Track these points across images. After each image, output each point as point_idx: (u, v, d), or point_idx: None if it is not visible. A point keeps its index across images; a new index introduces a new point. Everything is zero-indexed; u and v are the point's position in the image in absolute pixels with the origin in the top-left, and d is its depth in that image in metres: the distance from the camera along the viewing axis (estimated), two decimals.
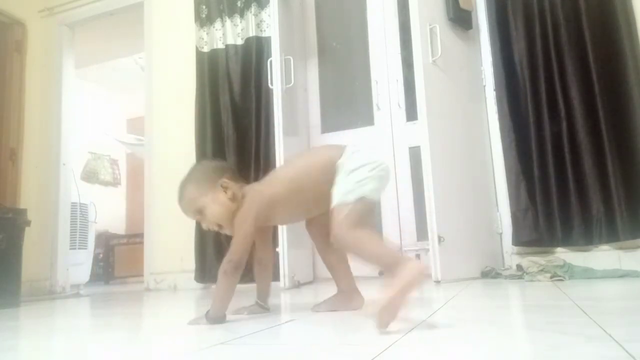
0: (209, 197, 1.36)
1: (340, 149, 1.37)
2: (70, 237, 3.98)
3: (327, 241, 1.33)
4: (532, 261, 2.40)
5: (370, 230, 1.27)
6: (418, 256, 3.06)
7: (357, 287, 1.54)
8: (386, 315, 1.02)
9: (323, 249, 1.55)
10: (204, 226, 1.40)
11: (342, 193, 1.26)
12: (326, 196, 1.28)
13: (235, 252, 1.32)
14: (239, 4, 3.52)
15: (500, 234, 2.81)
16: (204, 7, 3.65)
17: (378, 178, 1.31)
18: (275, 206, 1.41)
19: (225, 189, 1.37)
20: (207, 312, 1.34)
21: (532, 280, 2.26)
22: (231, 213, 1.36)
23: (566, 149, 2.56)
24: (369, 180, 1.28)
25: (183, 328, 1.30)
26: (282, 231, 2.85)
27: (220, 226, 1.38)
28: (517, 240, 2.65)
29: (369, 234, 1.24)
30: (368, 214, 1.27)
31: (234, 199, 1.37)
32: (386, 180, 1.36)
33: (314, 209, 1.46)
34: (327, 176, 1.31)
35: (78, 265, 4.11)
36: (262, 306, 1.53)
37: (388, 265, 1.15)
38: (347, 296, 1.51)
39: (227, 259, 1.33)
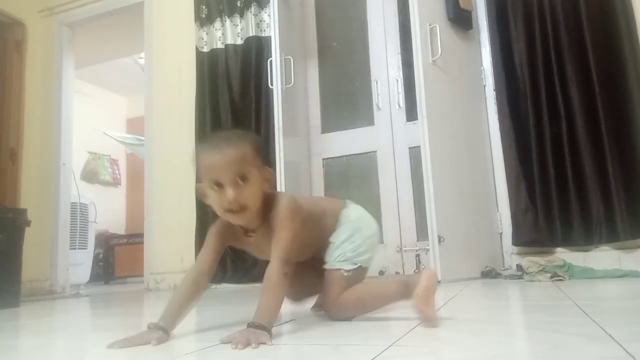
0: (256, 172, 1.15)
1: (341, 202, 1.41)
2: (70, 237, 3.99)
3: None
4: (532, 261, 2.40)
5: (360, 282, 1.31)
6: (418, 256, 3.06)
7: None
8: (430, 315, 1.13)
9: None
10: (227, 197, 1.10)
11: (340, 259, 1.29)
12: (321, 241, 1.33)
13: (289, 251, 1.15)
14: (238, 3, 3.52)
15: (500, 234, 2.81)
16: (203, 7, 3.65)
17: (373, 248, 1.37)
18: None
19: (269, 174, 1.20)
20: (255, 323, 1.02)
21: (532, 280, 2.26)
22: (259, 202, 1.17)
23: (566, 149, 2.56)
24: (366, 250, 1.33)
25: (183, 328, 1.30)
26: None
27: (241, 208, 1.12)
28: (517, 240, 2.65)
29: (362, 284, 1.30)
30: (360, 281, 1.31)
31: (265, 191, 1.18)
32: (377, 247, 1.43)
33: (308, 251, 1.34)
34: (328, 221, 1.34)
35: (78, 265, 4.11)
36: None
37: (402, 294, 1.22)
38: None
39: (284, 259, 1.13)
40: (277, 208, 1.18)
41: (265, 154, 3.55)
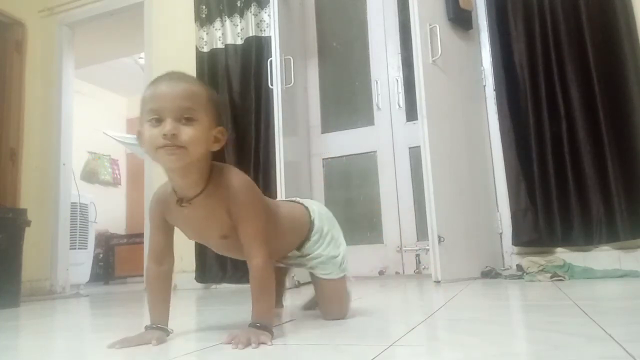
0: (206, 119, 1.01)
1: (301, 207, 1.35)
2: (70, 237, 3.99)
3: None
4: (532, 261, 2.41)
5: None
6: (418, 256, 3.06)
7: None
8: None
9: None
10: (164, 129, 0.96)
11: (341, 269, 1.33)
12: (291, 245, 1.30)
13: (265, 242, 1.06)
14: (238, 3, 3.52)
15: (500, 234, 2.81)
16: (203, 7, 3.65)
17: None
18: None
19: (221, 135, 1.05)
20: (256, 324, 1.01)
21: (532, 280, 2.26)
22: (204, 156, 1.04)
23: (566, 149, 2.56)
24: (344, 248, 1.38)
25: (183, 328, 1.30)
26: None
27: (178, 147, 0.97)
28: (517, 240, 2.65)
29: None
30: None
31: (211, 150, 1.05)
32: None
33: (276, 255, 1.26)
34: (297, 225, 1.30)
35: (78, 265, 4.12)
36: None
37: None
38: None
39: (263, 253, 1.04)
40: (229, 182, 1.05)
41: (265, 154, 3.49)
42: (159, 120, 0.98)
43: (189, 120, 0.98)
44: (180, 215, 1.10)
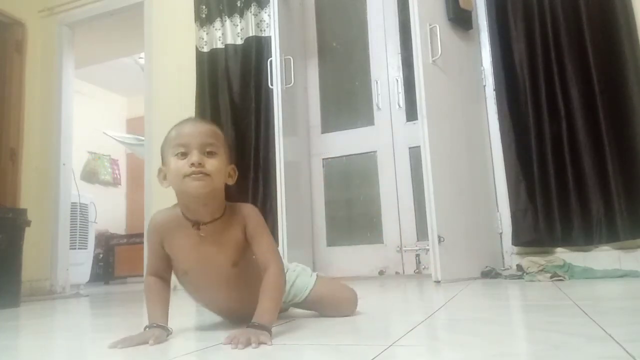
0: (224, 155, 1.13)
1: None
2: (70, 237, 3.98)
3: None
4: (532, 261, 2.41)
5: None
6: (418, 256, 3.06)
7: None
8: None
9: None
10: (191, 159, 1.06)
11: (307, 287, 1.35)
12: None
13: (279, 255, 1.17)
14: (238, 3, 3.52)
15: (500, 234, 2.81)
16: (203, 7, 3.65)
17: None
18: None
19: (233, 172, 1.17)
20: (255, 324, 1.02)
21: (532, 280, 2.26)
22: (222, 188, 1.14)
23: (566, 149, 2.56)
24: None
25: (183, 328, 1.30)
26: (282, 231, 2.86)
27: (205, 174, 1.07)
28: (517, 240, 2.65)
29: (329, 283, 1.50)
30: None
31: (226, 185, 1.15)
32: None
33: None
34: None
35: (78, 265, 4.12)
36: None
37: None
38: None
39: (279, 263, 1.14)
40: (241, 209, 1.17)
41: (265, 154, 3.49)
42: (184, 154, 1.08)
43: (211, 154, 1.10)
44: (188, 242, 1.14)
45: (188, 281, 1.21)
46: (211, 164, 1.09)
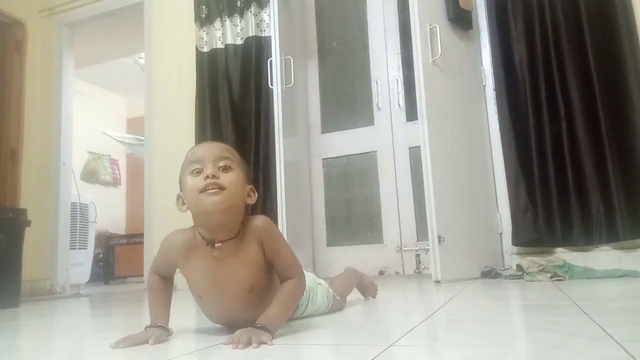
0: (241, 172, 1.11)
1: None
2: (70, 237, 3.99)
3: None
4: (532, 261, 2.40)
5: None
6: (418, 256, 3.06)
7: None
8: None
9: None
10: (206, 172, 1.05)
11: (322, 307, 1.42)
12: None
13: (301, 267, 1.16)
14: (238, 3, 3.52)
15: (500, 234, 2.81)
16: (203, 7, 3.65)
17: None
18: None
19: (252, 193, 1.14)
20: (264, 327, 1.00)
21: (532, 280, 2.26)
22: (241, 208, 1.11)
23: (566, 149, 2.56)
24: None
25: (183, 328, 1.30)
26: (282, 231, 2.85)
27: (220, 188, 1.04)
28: (517, 240, 2.65)
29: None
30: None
31: (246, 203, 1.13)
32: None
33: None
34: None
35: (78, 265, 4.12)
36: None
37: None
38: None
39: (301, 274, 1.14)
40: (256, 223, 1.12)
41: (265, 154, 3.49)
42: (199, 171, 1.07)
43: (226, 169, 1.08)
44: (203, 264, 1.11)
45: (203, 304, 1.18)
46: (226, 177, 1.06)
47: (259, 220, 1.13)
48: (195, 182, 1.06)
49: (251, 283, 1.10)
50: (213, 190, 1.04)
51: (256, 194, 1.15)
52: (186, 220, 1.14)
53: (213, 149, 1.09)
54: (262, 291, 1.12)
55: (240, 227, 1.11)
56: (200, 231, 1.11)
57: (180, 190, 1.13)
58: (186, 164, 1.10)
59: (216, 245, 1.08)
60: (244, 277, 1.10)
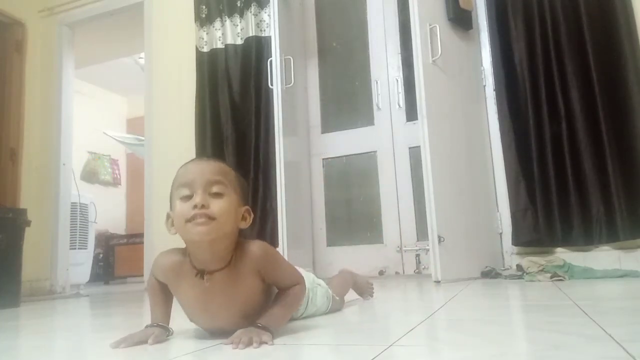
0: (234, 196, 1.03)
1: None
2: (70, 237, 3.99)
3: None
4: (532, 261, 2.40)
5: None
6: (418, 256, 3.06)
7: None
8: None
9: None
10: (196, 201, 0.97)
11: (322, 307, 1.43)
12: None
13: (302, 277, 1.14)
14: (238, 3, 3.52)
15: (500, 234, 2.81)
16: (203, 7, 3.65)
17: None
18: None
19: (247, 214, 1.06)
20: (265, 327, 1.00)
21: (532, 280, 2.26)
22: (233, 234, 1.03)
23: (566, 149, 2.56)
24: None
25: (183, 328, 1.30)
26: (282, 231, 2.85)
27: (209, 218, 0.97)
28: (517, 240, 2.65)
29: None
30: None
31: (239, 227, 1.05)
32: None
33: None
34: None
35: (78, 265, 4.11)
36: None
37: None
38: None
39: (303, 282, 1.13)
40: (250, 249, 1.04)
41: (265, 154, 3.48)
42: (189, 197, 0.99)
43: (218, 195, 0.99)
44: (194, 292, 1.04)
45: (196, 323, 1.15)
46: (217, 205, 0.98)
47: (256, 248, 1.05)
48: (183, 210, 0.98)
49: (245, 311, 1.05)
50: (201, 220, 0.96)
51: (252, 215, 1.07)
52: None
53: (204, 172, 1.00)
54: (258, 313, 1.06)
55: (233, 253, 1.04)
56: (192, 258, 1.04)
57: (171, 209, 1.04)
58: (176, 185, 1.02)
59: (205, 276, 1.02)
60: (237, 306, 1.05)
